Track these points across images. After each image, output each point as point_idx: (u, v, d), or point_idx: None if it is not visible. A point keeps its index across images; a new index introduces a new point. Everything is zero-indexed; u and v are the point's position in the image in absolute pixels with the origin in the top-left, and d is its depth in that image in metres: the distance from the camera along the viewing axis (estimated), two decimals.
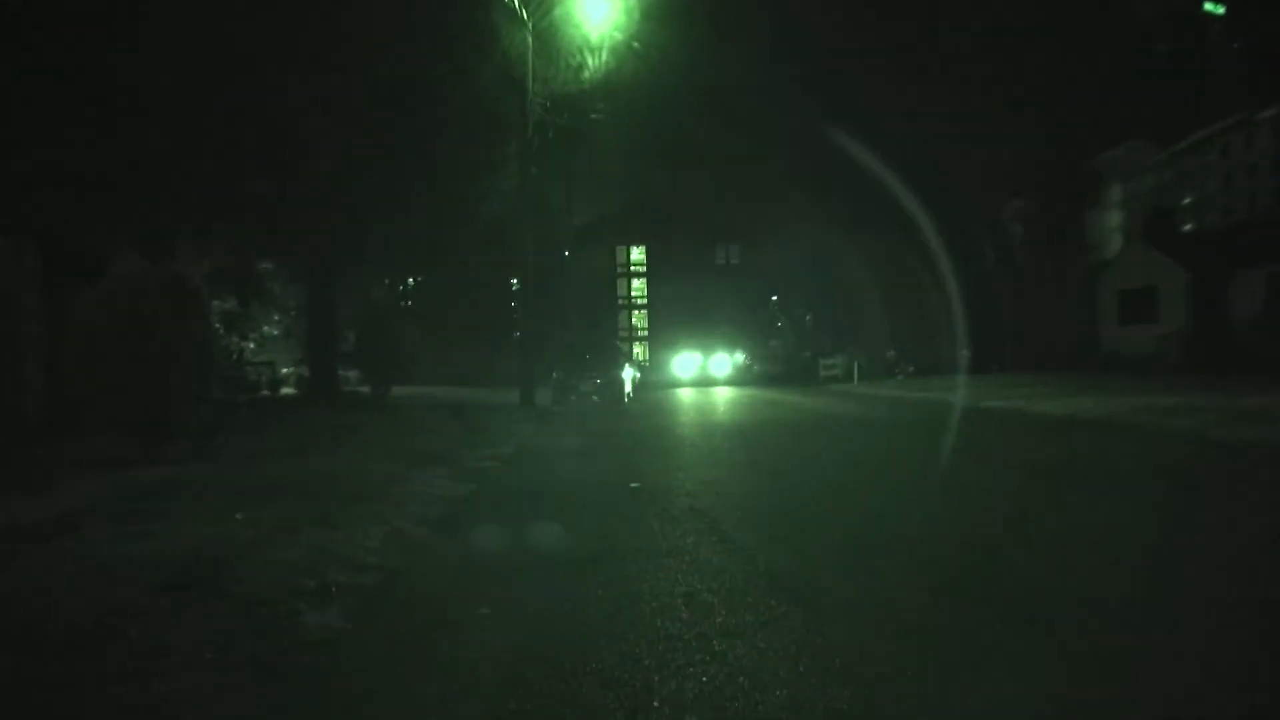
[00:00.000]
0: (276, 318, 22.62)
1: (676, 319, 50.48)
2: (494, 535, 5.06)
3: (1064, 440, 9.45)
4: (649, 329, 65.51)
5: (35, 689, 2.70)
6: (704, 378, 29.50)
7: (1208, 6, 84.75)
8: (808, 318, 52.28)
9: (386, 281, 28.86)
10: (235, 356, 15.29)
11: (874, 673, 2.63)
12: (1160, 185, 75.69)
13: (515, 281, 35.51)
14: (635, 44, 18.62)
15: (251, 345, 18.62)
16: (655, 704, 2.45)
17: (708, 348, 31.29)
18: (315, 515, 5.26)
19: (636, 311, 67.39)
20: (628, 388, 20.39)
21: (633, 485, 6.73)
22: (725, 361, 31.07)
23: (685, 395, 20.34)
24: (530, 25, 17.53)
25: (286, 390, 21.66)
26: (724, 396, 18.41)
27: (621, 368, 21.04)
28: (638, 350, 61.41)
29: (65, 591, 3.62)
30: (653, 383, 31.13)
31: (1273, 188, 64.51)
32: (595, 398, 19.20)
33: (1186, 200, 70.99)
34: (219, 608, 3.45)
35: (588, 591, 3.70)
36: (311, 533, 4.79)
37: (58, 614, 3.34)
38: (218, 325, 9.44)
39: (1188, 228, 51.51)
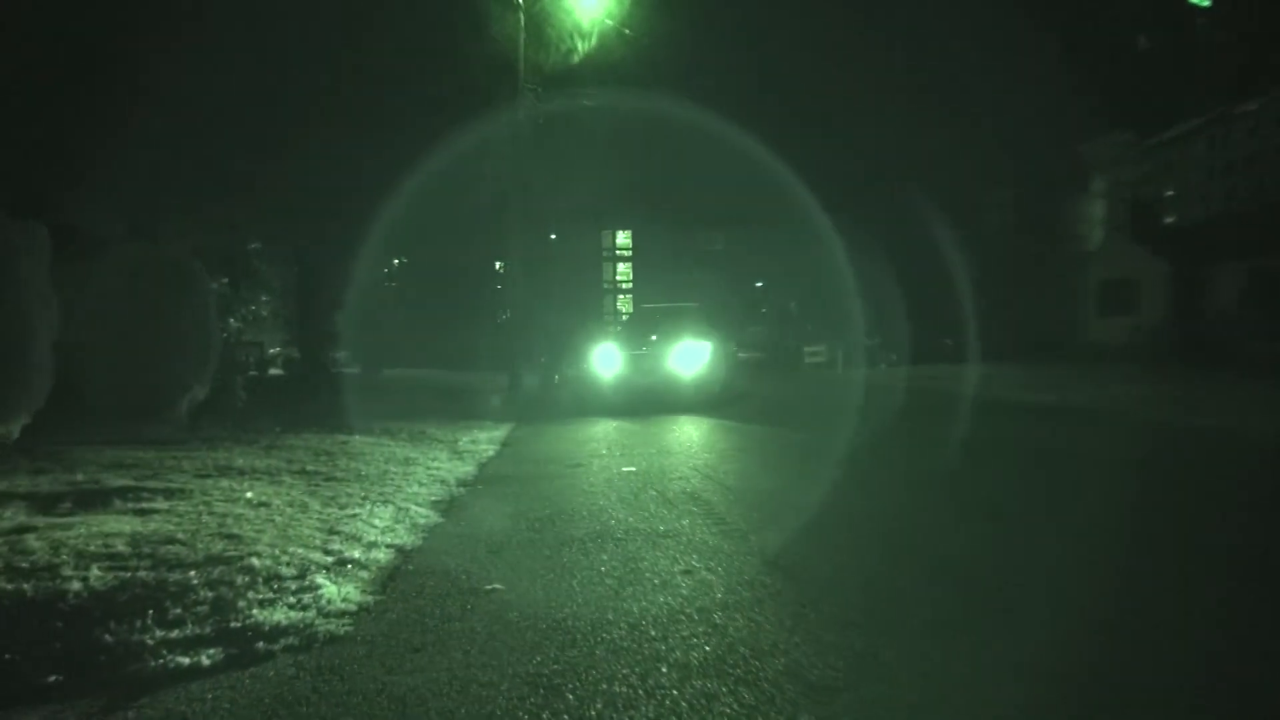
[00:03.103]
0: (265, 298, 22.67)
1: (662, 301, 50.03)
2: (497, 515, 5.25)
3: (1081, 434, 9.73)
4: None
5: (76, 653, 2.87)
6: (658, 382, 14.22)
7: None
8: (792, 304, 52.52)
9: (374, 262, 28.87)
10: (227, 337, 15.38)
11: (864, 644, 2.85)
12: (1144, 177, 76.40)
13: (500, 265, 35.53)
14: (627, 30, 18.71)
15: (239, 326, 18.69)
16: (664, 669, 2.66)
17: (667, 329, 15.50)
18: (323, 496, 5.44)
19: (623, 295, 67.70)
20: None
21: (627, 469, 6.92)
22: (700, 351, 14.48)
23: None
24: (522, 6, 17.60)
25: (274, 371, 21.70)
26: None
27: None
28: None
29: (85, 567, 3.76)
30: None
31: (1252, 182, 65.32)
32: (583, 381, 19.32)
33: (1169, 193, 71.76)
34: (240, 581, 3.62)
35: (592, 569, 3.90)
36: (322, 512, 4.97)
37: (87, 589, 3.50)
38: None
39: (1169, 220, 52.10)
